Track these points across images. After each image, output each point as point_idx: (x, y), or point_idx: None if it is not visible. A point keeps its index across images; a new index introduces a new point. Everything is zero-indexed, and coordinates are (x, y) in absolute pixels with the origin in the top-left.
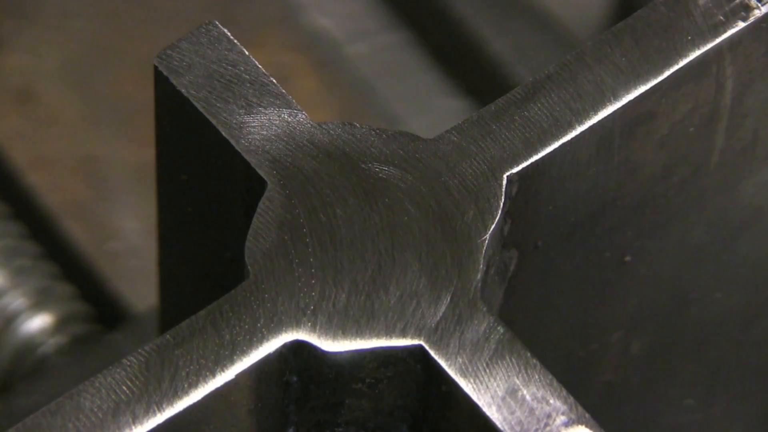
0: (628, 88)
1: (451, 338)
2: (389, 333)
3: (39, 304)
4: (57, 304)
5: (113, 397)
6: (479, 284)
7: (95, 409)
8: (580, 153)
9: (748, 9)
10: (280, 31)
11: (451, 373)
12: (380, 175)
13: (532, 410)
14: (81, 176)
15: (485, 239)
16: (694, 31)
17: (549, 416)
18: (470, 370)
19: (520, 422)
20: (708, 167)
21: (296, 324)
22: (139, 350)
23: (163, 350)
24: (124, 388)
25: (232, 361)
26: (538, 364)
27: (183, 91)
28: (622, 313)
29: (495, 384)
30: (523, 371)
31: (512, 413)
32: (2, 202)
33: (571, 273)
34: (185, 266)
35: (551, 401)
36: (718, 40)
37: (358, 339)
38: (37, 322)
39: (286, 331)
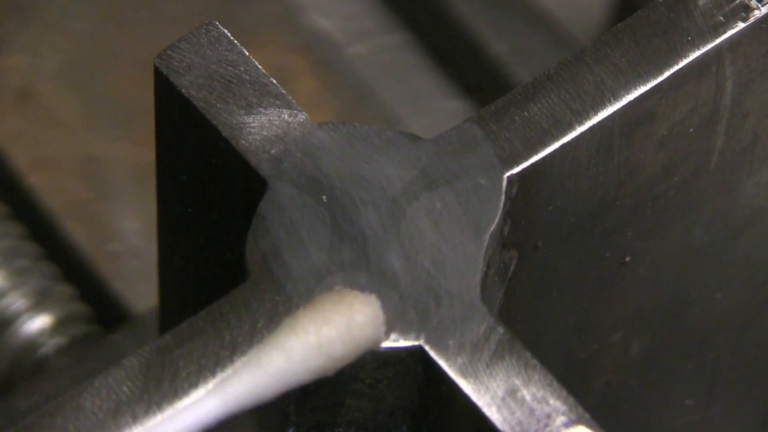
0: (628, 88)
1: (451, 338)
2: (389, 333)
3: (39, 304)
4: (57, 304)
5: (113, 397)
6: (479, 284)
7: (95, 410)
8: (580, 153)
9: (748, 9)
10: (280, 31)
11: (451, 373)
12: (380, 175)
13: (532, 411)
14: (81, 177)
15: (485, 239)
16: (694, 31)
17: (549, 416)
18: (470, 370)
19: (520, 423)
20: (708, 167)
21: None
22: (139, 350)
23: (163, 351)
24: (124, 388)
25: (232, 362)
26: (538, 364)
27: (183, 91)
28: (622, 313)
29: (495, 384)
30: (523, 371)
31: (512, 414)
32: (2, 203)
33: (571, 273)
34: (185, 266)
35: (551, 402)
36: (718, 41)
37: None
38: (38, 323)
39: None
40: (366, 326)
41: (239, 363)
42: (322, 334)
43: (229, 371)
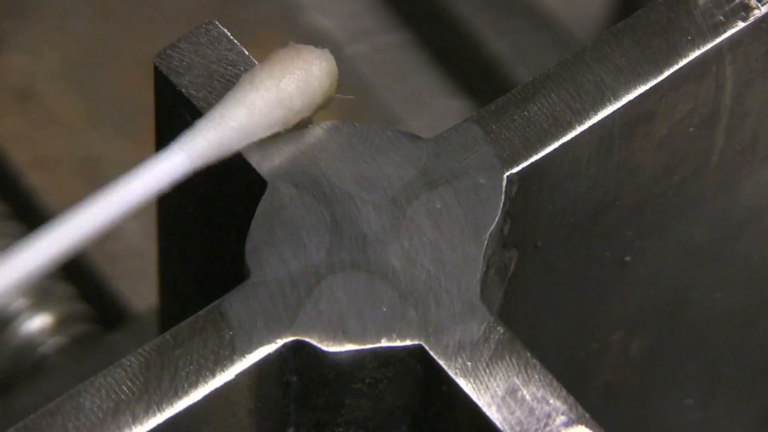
0: (628, 88)
1: (451, 338)
2: (389, 333)
3: (39, 304)
4: (57, 304)
5: (113, 397)
6: (479, 284)
7: (95, 409)
8: (580, 153)
9: (748, 9)
10: (280, 31)
11: (451, 373)
12: (380, 175)
13: (532, 410)
14: (81, 176)
15: (485, 239)
16: (694, 31)
17: (549, 416)
18: (470, 370)
19: (520, 422)
20: (708, 167)
21: (296, 324)
22: (139, 350)
23: (163, 350)
24: (124, 388)
25: (232, 361)
26: (538, 364)
27: (183, 90)
28: (622, 313)
29: (495, 384)
30: (523, 371)
31: (512, 413)
32: (2, 202)
33: (571, 273)
34: (185, 266)
35: (551, 401)
36: (718, 40)
37: (358, 339)
38: (37, 322)
39: (285, 331)
40: (322, 78)
41: (202, 120)
42: (281, 87)
43: (193, 129)
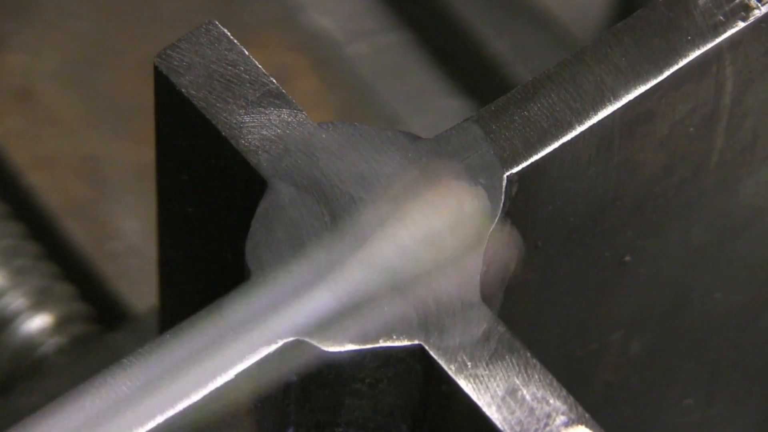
0: (628, 88)
1: (451, 338)
2: (389, 333)
3: (39, 304)
4: (57, 304)
5: (113, 397)
6: (479, 284)
7: (95, 410)
8: (580, 153)
9: (748, 9)
10: (280, 31)
11: (451, 373)
12: (380, 175)
13: (532, 410)
14: (81, 176)
15: (485, 239)
16: (694, 31)
17: (549, 416)
18: (470, 370)
19: (520, 422)
20: (708, 167)
21: (296, 324)
22: (139, 350)
23: (163, 350)
24: (124, 388)
25: (232, 361)
26: (538, 364)
27: (183, 91)
28: (622, 313)
29: (495, 384)
30: (523, 371)
31: (512, 413)
32: (2, 202)
33: (570, 273)
34: (185, 266)
35: (551, 401)
36: (718, 40)
37: (358, 339)
38: (37, 322)
39: (285, 331)
40: (474, 217)
41: (350, 257)
42: (431, 226)
43: (339, 265)
